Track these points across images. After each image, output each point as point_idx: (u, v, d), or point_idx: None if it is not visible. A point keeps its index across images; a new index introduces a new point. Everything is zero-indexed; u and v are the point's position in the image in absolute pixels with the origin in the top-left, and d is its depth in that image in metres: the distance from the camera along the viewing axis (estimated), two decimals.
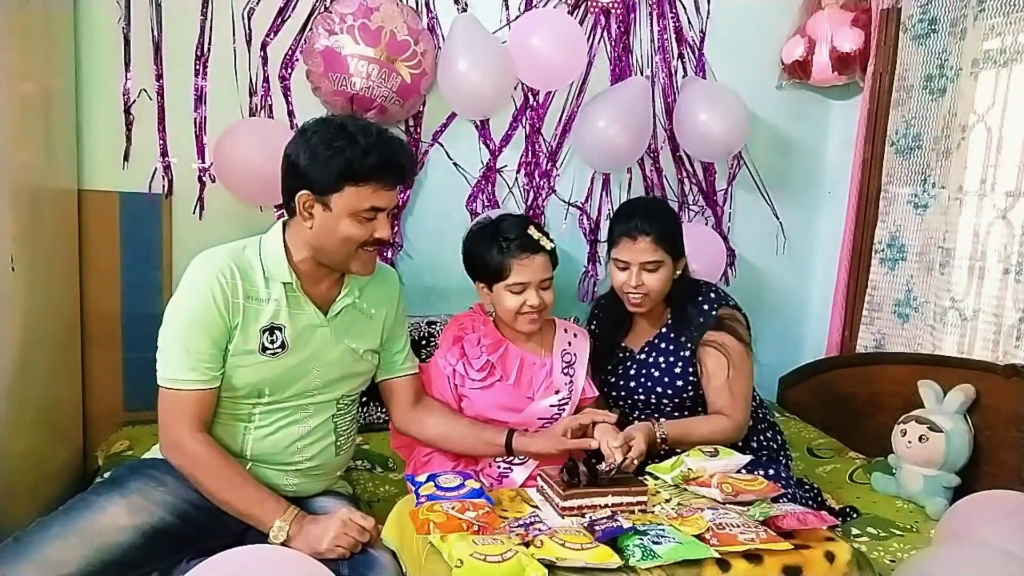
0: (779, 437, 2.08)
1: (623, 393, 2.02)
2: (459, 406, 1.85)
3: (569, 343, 1.93)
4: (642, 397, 1.99)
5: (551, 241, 1.84)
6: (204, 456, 1.52)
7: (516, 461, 1.81)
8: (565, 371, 1.88)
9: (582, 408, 1.92)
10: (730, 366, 1.89)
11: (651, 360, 2.00)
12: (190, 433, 1.52)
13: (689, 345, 1.95)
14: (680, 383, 1.95)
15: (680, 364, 1.96)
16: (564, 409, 1.84)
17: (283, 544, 1.48)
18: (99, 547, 1.40)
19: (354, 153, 1.50)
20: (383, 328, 1.75)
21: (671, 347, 1.98)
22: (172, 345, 1.54)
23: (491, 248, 1.81)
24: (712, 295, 1.99)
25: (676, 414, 1.98)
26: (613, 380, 2.03)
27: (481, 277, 1.86)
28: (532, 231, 1.81)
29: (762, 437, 2.03)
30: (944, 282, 2.48)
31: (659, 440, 1.83)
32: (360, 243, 1.56)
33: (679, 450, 1.89)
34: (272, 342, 1.57)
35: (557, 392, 1.85)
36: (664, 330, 2.01)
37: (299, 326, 1.60)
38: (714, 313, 1.95)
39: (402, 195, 2.52)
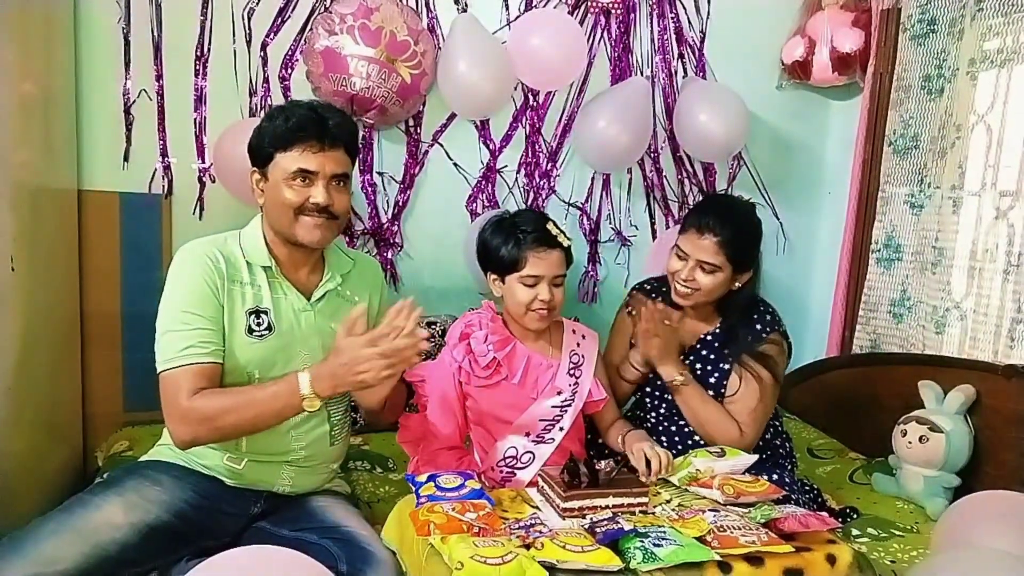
0: (787, 444, 2.07)
1: (656, 392, 2.01)
2: (463, 404, 1.83)
3: (578, 344, 1.91)
4: (670, 397, 1.97)
5: (568, 239, 1.83)
6: (207, 406, 1.49)
7: (519, 464, 1.79)
8: (571, 372, 1.87)
9: (589, 412, 1.91)
10: (759, 399, 1.89)
11: (687, 364, 1.96)
12: (188, 400, 1.48)
13: (730, 359, 1.94)
14: (711, 393, 1.93)
15: (716, 375, 1.94)
16: (566, 411, 1.82)
17: (325, 402, 1.51)
18: (95, 544, 1.40)
19: (279, 121, 1.57)
20: (368, 315, 1.74)
21: (712, 356, 1.96)
22: (168, 330, 1.54)
23: (508, 239, 1.80)
24: (768, 316, 1.96)
25: None
26: (648, 379, 2.00)
27: (495, 268, 1.85)
28: (550, 227, 1.82)
29: (767, 447, 2.01)
30: (937, 282, 2.48)
31: (673, 381, 1.86)
32: (296, 208, 1.58)
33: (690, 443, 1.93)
34: (258, 324, 1.60)
35: (559, 393, 1.84)
36: (709, 338, 1.98)
37: (283, 309, 1.63)
38: (764, 336, 1.93)
39: (402, 195, 2.52)
